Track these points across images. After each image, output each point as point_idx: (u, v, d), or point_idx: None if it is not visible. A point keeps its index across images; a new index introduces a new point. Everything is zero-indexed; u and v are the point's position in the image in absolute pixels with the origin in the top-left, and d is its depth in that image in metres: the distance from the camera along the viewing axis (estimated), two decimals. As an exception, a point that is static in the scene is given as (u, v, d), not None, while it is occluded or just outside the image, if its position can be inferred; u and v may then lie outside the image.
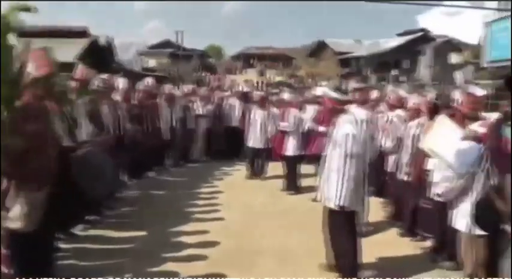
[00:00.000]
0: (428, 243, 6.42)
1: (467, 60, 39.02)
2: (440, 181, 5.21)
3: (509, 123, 5.14)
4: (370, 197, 5.41)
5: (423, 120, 6.65)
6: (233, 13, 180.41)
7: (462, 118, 5.15)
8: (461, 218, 4.86)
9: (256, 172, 11.27)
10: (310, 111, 10.34)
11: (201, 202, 8.72)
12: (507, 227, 3.59)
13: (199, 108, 13.14)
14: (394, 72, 44.14)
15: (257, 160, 11.33)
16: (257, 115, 11.29)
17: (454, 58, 37.13)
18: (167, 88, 12.41)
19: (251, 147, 11.29)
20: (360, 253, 5.17)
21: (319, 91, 10.61)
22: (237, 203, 8.76)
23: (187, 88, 14.13)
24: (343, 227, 5.11)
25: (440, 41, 42.06)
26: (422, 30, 49.39)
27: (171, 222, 7.25)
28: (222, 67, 60.86)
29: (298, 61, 60.36)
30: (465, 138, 4.85)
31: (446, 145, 4.94)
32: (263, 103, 11.55)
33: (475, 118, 5.14)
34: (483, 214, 3.91)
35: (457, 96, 5.25)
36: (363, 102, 6.78)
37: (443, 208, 5.34)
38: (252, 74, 52.56)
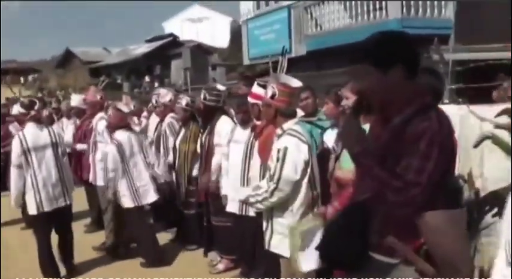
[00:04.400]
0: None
1: (216, 62, 39.99)
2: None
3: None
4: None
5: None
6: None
7: (274, 115, 4.20)
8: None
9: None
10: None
11: None
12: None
13: None
14: (147, 79, 43.36)
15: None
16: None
17: (210, 60, 37.77)
18: None
19: None
20: None
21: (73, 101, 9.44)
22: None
23: None
24: None
25: (190, 45, 42.28)
26: (170, 35, 49.40)
27: None
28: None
29: (46, 73, 56.61)
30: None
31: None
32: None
33: (292, 115, 4.26)
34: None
35: (270, 87, 4.15)
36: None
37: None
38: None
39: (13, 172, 5.99)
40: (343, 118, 3.44)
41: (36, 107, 6.34)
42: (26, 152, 5.92)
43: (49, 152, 6.10)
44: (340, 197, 3.82)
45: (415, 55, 2.58)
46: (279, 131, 4.19)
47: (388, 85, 2.52)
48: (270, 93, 4.16)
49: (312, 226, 3.79)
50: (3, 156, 9.14)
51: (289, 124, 4.17)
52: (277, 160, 4.02)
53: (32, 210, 6.06)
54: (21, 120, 6.59)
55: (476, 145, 3.97)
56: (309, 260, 3.77)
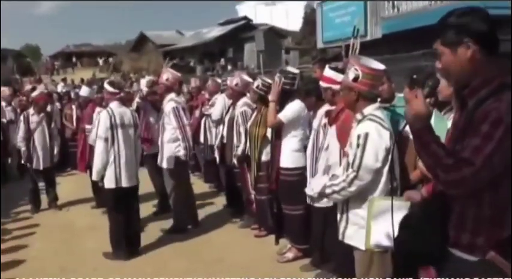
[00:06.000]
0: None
1: (289, 46, 39.72)
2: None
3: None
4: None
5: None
6: (49, 12, 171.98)
7: (356, 99, 3.95)
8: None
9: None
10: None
11: None
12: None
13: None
14: (221, 62, 43.70)
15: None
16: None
17: (283, 43, 37.65)
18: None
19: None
20: None
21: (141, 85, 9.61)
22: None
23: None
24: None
25: (263, 28, 42.17)
26: (244, 18, 49.50)
27: None
28: (40, 67, 56.74)
29: (120, 56, 58.10)
30: None
31: None
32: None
33: (373, 100, 3.98)
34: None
35: (352, 70, 3.90)
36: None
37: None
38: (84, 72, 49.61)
39: (99, 146, 6.19)
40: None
41: (124, 89, 6.58)
42: (113, 127, 6.17)
43: (131, 132, 6.39)
44: (427, 186, 3.56)
45: (489, 30, 2.32)
46: (358, 116, 3.92)
47: (460, 64, 2.33)
48: (352, 76, 3.89)
49: (392, 203, 3.61)
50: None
51: (369, 109, 3.89)
52: (358, 146, 3.77)
53: (111, 184, 6.23)
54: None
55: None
56: (380, 234, 3.58)
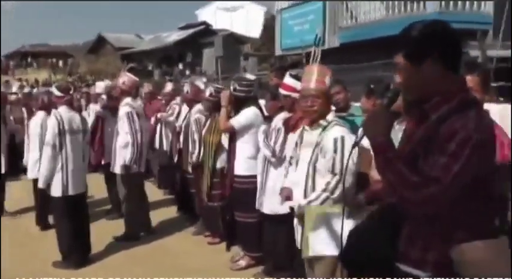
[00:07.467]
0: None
1: (248, 52, 39.80)
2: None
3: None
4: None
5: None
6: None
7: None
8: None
9: None
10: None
11: None
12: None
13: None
14: (179, 66, 43.43)
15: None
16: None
17: (242, 50, 37.65)
18: None
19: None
20: None
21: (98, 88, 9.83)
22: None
23: None
24: None
25: (223, 34, 42.15)
26: (204, 23, 49.34)
27: None
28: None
29: (78, 58, 57.20)
30: None
31: None
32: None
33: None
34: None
35: (327, 77, 4.01)
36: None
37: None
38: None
39: (46, 152, 6.00)
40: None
41: (70, 92, 6.46)
42: (61, 133, 6.00)
43: (80, 138, 6.23)
44: (366, 191, 3.69)
45: (455, 46, 2.32)
46: (323, 122, 3.93)
47: (423, 79, 2.29)
48: (328, 83, 3.94)
49: (330, 212, 3.65)
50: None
51: (331, 116, 3.98)
52: (335, 151, 3.77)
53: (57, 192, 6.06)
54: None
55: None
56: (319, 245, 3.72)
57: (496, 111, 4.07)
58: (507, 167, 3.35)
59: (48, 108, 6.38)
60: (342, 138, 3.78)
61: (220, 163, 6.40)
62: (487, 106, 3.64)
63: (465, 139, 2.11)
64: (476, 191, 2.21)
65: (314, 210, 3.67)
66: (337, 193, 3.74)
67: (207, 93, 6.57)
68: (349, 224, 2.91)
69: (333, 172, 3.77)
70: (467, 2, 13.73)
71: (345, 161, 3.65)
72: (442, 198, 2.15)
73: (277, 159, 5.10)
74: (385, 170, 2.31)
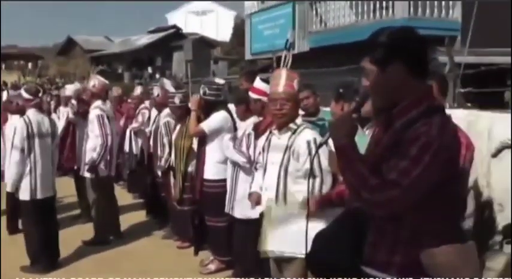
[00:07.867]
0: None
1: (218, 56, 39.81)
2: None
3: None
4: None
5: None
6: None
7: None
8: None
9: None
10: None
11: None
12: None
13: None
14: (149, 70, 43.23)
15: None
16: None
17: (212, 54, 37.68)
18: None
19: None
20: None
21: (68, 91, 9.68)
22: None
23: None
24: None
25: (193, 38, 42.10)
26: (174, 27, 49.20)
27: None
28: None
29: (47, 60, 56.50)
30: None
31: None
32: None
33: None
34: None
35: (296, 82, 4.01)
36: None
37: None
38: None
39: (15, 156, 5.92)
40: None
41: (40, 94, 6.38)
42: (30, 137, 5.93)
43: (49, 141, 6.16)
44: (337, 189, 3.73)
45: (421, 52, 2.35)
46: (293, 125, 4.00)
47: (389, 84, 2.31)
48: (297, 87, 4.02)
49: (289, 212, 3.74)
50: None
51: (300, 120, 4.07)
52: (309, 153, 3.83)
53: (25, 196, 6.00)
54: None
55: (495, 155, 3.78)
56: (276, 244, 3.80)
57: (463, 116, 4.16)
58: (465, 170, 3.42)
59: (23, 111, 6.28)
60: (315, 140, 3.84)
61: (192, 167, 6.40)
62: (454, 111, 3.75)
63: (427, 144, 2.14)
64: (440, 195, 2.24)
65: (275, 208, 3.75)
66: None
67: (177, 101, 6.54)
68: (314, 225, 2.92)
69: (312, 176, 3.78)
70: (436, 9, 14.00)
71: (322, 162, 3.79)
72: (401, 201, 2.18)
73: (252, 165, 5.07)
74: (346, 171, 2.34)
